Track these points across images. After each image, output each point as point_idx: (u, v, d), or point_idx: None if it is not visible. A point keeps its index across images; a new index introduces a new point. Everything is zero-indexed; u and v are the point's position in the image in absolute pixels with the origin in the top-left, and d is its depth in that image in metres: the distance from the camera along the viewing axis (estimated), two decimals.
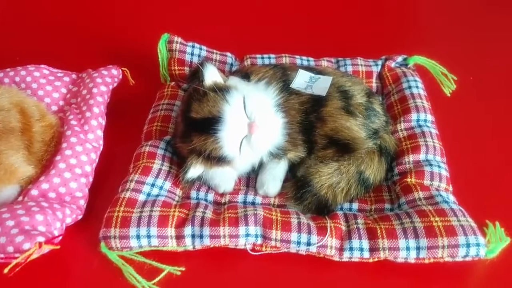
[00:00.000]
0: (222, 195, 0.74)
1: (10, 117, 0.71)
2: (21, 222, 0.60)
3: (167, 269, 0.64)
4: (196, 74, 0.72)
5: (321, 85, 0.77)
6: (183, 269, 0.65)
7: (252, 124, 0.68)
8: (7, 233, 0.58)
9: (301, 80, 0.78)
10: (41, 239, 0.58)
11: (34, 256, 0.57)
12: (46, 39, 1.05)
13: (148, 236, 0.65)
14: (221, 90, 0.69)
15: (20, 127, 0.72)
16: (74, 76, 0.89)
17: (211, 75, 0.71)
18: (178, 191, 0.74)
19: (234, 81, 0.74)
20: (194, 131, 0.69)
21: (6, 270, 0.56)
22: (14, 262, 0.56)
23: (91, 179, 0.74)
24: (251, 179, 0.77)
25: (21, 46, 1.03)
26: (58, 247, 0.60)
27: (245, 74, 0.78)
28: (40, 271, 0.64)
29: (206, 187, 0.75)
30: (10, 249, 0.57)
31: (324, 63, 0.96)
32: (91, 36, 1.07)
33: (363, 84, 0.81)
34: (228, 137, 0.68)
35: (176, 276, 0.64)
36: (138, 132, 0.84)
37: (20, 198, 0.69)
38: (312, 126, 0.73)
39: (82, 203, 0.70)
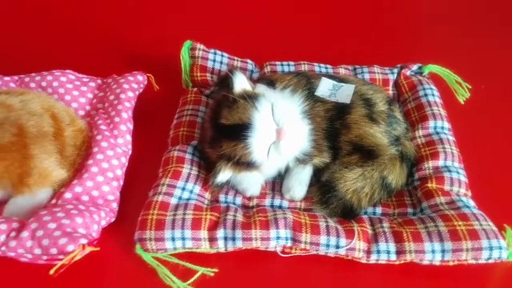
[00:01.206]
0: (249, 198, 0.76)
1: (43, 121, 0.73)
2: (62, 225, 0.61)
3: (201, 270, 0.66)
4: (225, 81, 0.74)
5: (345, 93, 0.79)
6: (216, 270, 0.67)
7: (280, 131, 0.70)
8: (50, 235, 0.60)
9: (324, 88, 0.80)
10: (83, 241, 0.59)
11: (77, 257, 0.59)
12: (68, 45, 1.07)
13: (183, 238, 0.67)
14: (250, 97, 0.71)
15: (52, 132, 0.73)
16: (99, 81, 0.91)
17: (241, 83, 0.73)
18: (207, 195, 0.76)
19: (261, 88, 0.76)
20: (224, 137, 0.71)
21: (52, 271, 0.58)
22: (60, 263, 0.58)
23: (121, 183, 0.75)
24: (276, 183, 0.79)
25: (44, 51, 1.04)
26: (98, 248, 0.61)
27: (270, 82, 0.80)
28: (75, 273, 0.66)
29: (234, 191, 0.76)
30: (54, 250, 0.59)
31: (342, 70, 0.98)
32: (113, 42, 1.09)
33: (384, 92, 0.84)
34: (257, 143, 0.70)
35: (209, 277, 0.66)
36: (162, 136, 0.86)
37: (54, 201, 0.71)
38: (337, 133, 0.76)
39: (115, 206, 0.72)
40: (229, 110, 0.71)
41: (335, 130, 0.76)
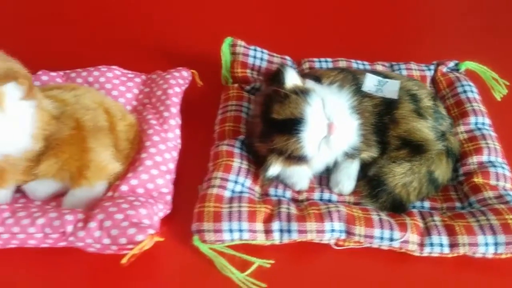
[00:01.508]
0: (299, 192, 0.77)
1: (98, 116, 0.74)
2: (128, 216, 0.63)
3: (257, 262, 0.68)
4: (277, 76, 0.75)
5: (391, 88, 0.80)
6: (273, 261, 0.68)
7: (331, 125, 0.72)
8: (118, 225, 0.61)
9: (370, 84, 0.81)
10: (151, 231, 0.61)
11: (146, 247, 0.60)
12: (110, 42, 1.08)
13: (240, 230, 0.68)
14: (302, 93, 0.72)
15: (107, 126, 0.75)
16: (143, 77, 0.92)
17: (292, 78, 0.74)
18: (257, 188, 0.77)
19: (310, 84, 0.77)
20: (275, 131, 0.73)
21: (124, 260, 0.60)
22: (131, 253, 0.59)
23: (173, 176, 0.77)
24: (323, 178, 0.80)
25: (87, 47, 1.06)
26: (163, 239, 0.63)
27: (315, 78, 0.82)
28: (133, 264, 0.67)
29: (283, 185, 0.78)
30: (123, 240, 0.60)
31: (379, 67, 0.99)
32: (151, 39, 1.10)
33: (427, 88, 0.85)
34: (309, 138, 0.71)
35: (265, 269, 0.68)
36: (203, 131, 0.87)
37: (110, 193, 0.72)
38: (385, 128, 0.77)
39: (169, 198, 0.73)
40: (281, 105, 0.72)
41: (384, 125, 0.77)
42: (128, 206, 0.64)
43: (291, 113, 0.71)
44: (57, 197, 0.74)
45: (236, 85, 0.95)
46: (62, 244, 0.64)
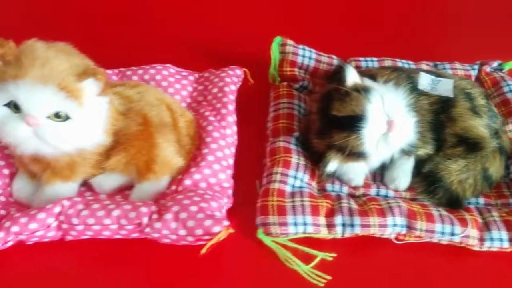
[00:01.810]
0: (355, 188, 0.79)
1: (162, 112, 0.76)
2: (202, 208, 0.65)
3: (320, 255, 0.69)
4: (337, 74, 0.77)
5: (445, 87, 0.82)
6: (335, 255, 0.70)
7: (391, 122, 0.73)
8: (194, 217, 0.63)
9: (424, 82, 0.83)
10: (226, 223, 0.63)
11: (222, 238, 0.62)
12: (159, 40, 1.10)
13: (304, 224, 0.70)
14: (363, 90, 0.74)
15: (171, 122, 0.77)
16: (196, 75, 0.94)
17: (352, 76, 0.76)
18: (314, 184, 0.79)
19: (368, 82, 0.79)
20: (335, 128, 0.74)
21: (203, 251, 0.62)
22: (209, 243, 0.62)
23: (233, 171, 0.79)
24: (377, 174, 0.82)
25: (137, 46, 1.08)
26: (233, 231, 0.64)
27: (370, 76, 0.83)
28: (198, 256, 0.69)
29: (339, 180, 0.79)
30: (200, 231, 0.62)
31: (424, 67, 1.01)
32: (197, 38, 1.12)
33: (479, 87, 0.86)
34: (369, 134, 0.73)
35: (327, 262, 0.69)
36: (252, 127, 0.89)
37: (174, 187, 0.74)
38: (442, 126, 0.78)
39: (230, 192, 0.75)
40: (342, 103, 0.74)
41: (440, 123, 0.78)
42: (200, 199, 0.66)
43: (352, 110, 0.73)
44: (121, 190, 0.76)
45: (285, 83, 0.97)
46: (135, 235, 0.66)
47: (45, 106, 0.61)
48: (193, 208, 0.64)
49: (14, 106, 0.61)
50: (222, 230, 0.62)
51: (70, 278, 0.66)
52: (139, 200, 0.70)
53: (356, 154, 0.74)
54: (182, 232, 0.63)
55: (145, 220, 0.64)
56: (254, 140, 0.87)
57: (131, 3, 1.22)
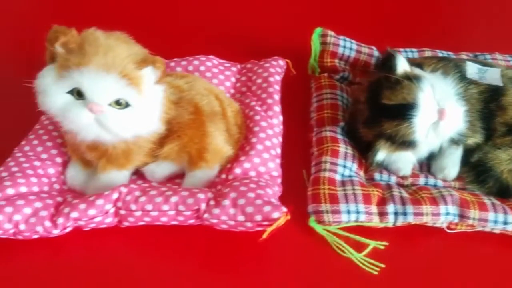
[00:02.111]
0: (403, 178, 0.78)
1: (212, 101, 0.77)
2: (259, 194, 0.65)
3: (372, 243, 0.70)
4: (387, 63, 0.77)
5: (493, 76, 0.81)
6: (386, 243, 0.70)
7: (443, 111, 0.73)
8: (252, 203, 0.64)
9: (472, 71, 0.82)
10: (284, 209, 0.63)
11: (281, 224, 0.63)
12: (197, 32, 1.11)
13: (357, 212, 0.70)
14: (414, 78, 0.74)
15: (220, 111, 0.77)
16: (238, 66, 0.95)
17: (402, 64, 0.76)
18: (362, 173, 0.79)
19: (417, 71, 0.79)
20: (385, 117, 0.74)
21: (265, 235, 0.63)
22: (269, 229, 0.62)
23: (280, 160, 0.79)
24: (423, 164, 0.82)
25: (178, 37, 1.09)
26: (289, 217, 0.65)
27: (417, 65, 0.83)
28: (250, 242, 0.70)
29: (386, 170, 0.79)
30: (259, 217, 0.63)
31: (464, 57, 1.00)
32: (234, 29, 1.13)
33: None
34: (420, 123, 0.73)
35: (379, 250, 0.69)
36: (294, 117, 0.89)
37: (223, 176, 0.75)
38: (491, 114, 0.78)
39: (279, 181, 0.75)
40: (392, 91, 0.74)
41: (490, 112, 0.78)
42: (256, 186, 0.67)
43: (403, 98, 0.73)
44: (172, 179, 0.77)
45: (325, 74, 0.97)
46: (191, 221, 0.67)
47: (108, 93, 0.62)
48: (251, 195, 0.65)
49: (77, 93, 0.62)
50: (281, 216, 0.62)
51: (127, 264, 0.67)
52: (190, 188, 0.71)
53: (406, 143, 0.74)
54: (241, 218, 0.63)
55: (203, 206, 0.65)
56: (296, 130, 0.88)
57: None
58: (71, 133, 0.66)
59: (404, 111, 0.73)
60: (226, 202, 0.64)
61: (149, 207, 0.66)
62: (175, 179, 0.77)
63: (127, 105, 0.64)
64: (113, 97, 0.62)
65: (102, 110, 0.62)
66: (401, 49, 1.02)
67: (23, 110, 0.89)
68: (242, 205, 0.64)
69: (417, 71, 0.78)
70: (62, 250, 0.69)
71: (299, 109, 0.93)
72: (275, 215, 0.62)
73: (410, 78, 0.74)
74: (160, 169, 0.75)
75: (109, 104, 0.63)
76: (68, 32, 0.61)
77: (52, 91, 0.62)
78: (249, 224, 0.63)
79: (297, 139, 0.87)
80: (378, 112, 0.76)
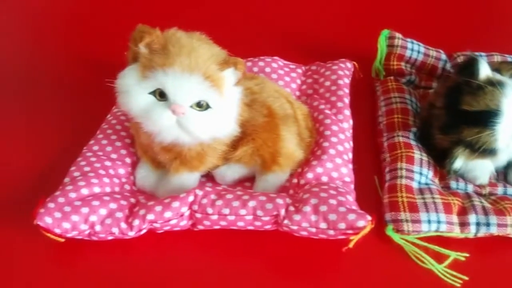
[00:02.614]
0: (480, 187, 0.75)
1: (284, 104, 0.75)
2: (341, 202, 0.63)
3: (453, 255, 0.67)
4: (469, 68, 0.74)
5: None
6: (467, 255, 0.67)
7: None
8: (335, 210, 0.62)
9: None
10: (369, 217, 0.61)
11: (366, 233, 0.61)
12: (258, 33, 1.10)
13: (438, 222, 0.68)
14: (498, 84, 0.71)
15: (292, 114, 0.76)
16: (303, 68, 0.93)
17: (485, 70, 0.73)
18: (437, 181, 0.76)
19: (498, 76, 0.75)
20: (464, 123, 0.71)
21: (350, 245, 0.61)
22: (355, 238, 0.60)
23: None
24: (499, 173, 0.79)
25: (241, 37, 1.08)
26: (373, 225, 0.63)
27: (495, 70, 0.80)
28: (325, 249, 0.68)
29: (462, 178, 0.76)
30: (342, 225, 0.61)
31: None
32: (294, 31, 1.11)
33: None
34: (504, 131, 0.69)
35: (459, 261, 0.66)
36: (360, 121, 0.86)
37: (295, 180, 0.73)
38: None
39: (352, 187, 0.73)
40: (474, 97, 0.71)
41: None
42: (336, 192, 0.65)
43: (486, 105, 0.70)
44: (241, 182, 0.76)
45: (391, 77, 0.94)
46: (267, 227, 0.66)
47: (191, 95, 0.61)
48: (333, 201, 0.63)
49: (159, 94, 0.61)
50: (366, 224, 0.60)
51: (199, 269, 0.66)
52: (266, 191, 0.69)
53: (486, 151, 0.71)
54: (323, 225, 0.62)
55: (282, 212, 0.63)
56: (362, 134, 0.85)
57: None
58: (149, 134, 0.65)
59: (486, 118, 0.70)
60: (307, 208, 0.63)
61: (226, 211, 0.65)
62: (244, 182, 0.76)
63: (207, 106, 0.63)
64: (196, 98, 0.61)
65: (184, 112, 0.61)
66: (469, 53, 0.98)
67: (86, 108, 0.91)
68: (324, 212, 0.62)
69: (498, 76, 0.75)
70: (134, 251, 0.68)
71: (364, 112, 0.91)
72: (360, 223, 0.60)
73: (494, 84, 0.70)
74: (231, 172, 0.74)
75: (190, 106, 0.62)
76: (153, 32, 0.61)
77: (135, 92, 0.61)
78: (331, 232, 0.62)
79: (365, 144, 0.84)
80: (457, 119, 0.73)
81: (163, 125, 0.62)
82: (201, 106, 0.62)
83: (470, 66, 0.74)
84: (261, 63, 0.91)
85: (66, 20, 1.21)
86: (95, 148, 0.77)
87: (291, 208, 0.64)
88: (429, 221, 0.68)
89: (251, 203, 0.64)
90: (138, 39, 0.60)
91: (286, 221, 0.63)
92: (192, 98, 0.61)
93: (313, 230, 0.63)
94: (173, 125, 0.62)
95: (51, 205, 0.65)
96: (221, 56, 0.64)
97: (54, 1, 1.28)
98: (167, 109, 0.61)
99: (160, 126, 0.62)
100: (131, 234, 0.66)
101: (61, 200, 0.66)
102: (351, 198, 0.65)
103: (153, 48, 0.61)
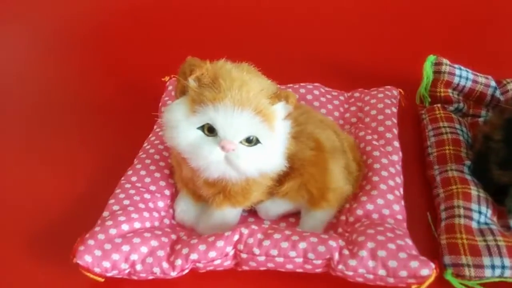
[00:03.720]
0: None
1: (331, 135, 0.72)
2: (401, 246, 0.59)
3: None
4: None
5: None
6: None
7: None
8: (395, 256, 0.58)
9: None
10: (433, 265, 0.57)
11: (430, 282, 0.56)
12: (296, 58, 1.07)
13: (502, 267, 0.63)
14: None
15: (340, 146, 0.72)
16: (345, 95, 0.89)
17: None
18: (495, 220, 0.71)
19: None
20: None
21: None
22: None
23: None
24: None
25: (278, 63, 1.05)
26: (437, 274, 0.58)
27: None
28: None
29: None
30: (404, 273, 0.56)
31: None
32: (330, 55, 1.08)
33: None
34: None
35: None
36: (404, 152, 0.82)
37: (343, 217, 0.69)
38: None
39: (405, 226, 0.68)
40: None
41: None
42: (393, 235, 0.61)
43: None
44: (285, 217, 0.72)
45: (438, 105, 0.90)
46: (318, 270, 0.61)
47: (242, 131, 0.58)
48: (391, 246, 0.58)
49: (207, 129, 0.58)
50: (431, 273, 0.55)
51: None
52: (308, 230, 0.65)
53: None
54: (382, 272, 0.57)
55: (336, 255, 0.59)
56: (410, 166, 0.81)
57: (271, 21, 1.20)
58: (192, 168, 0.62)
59: None
60: (364, 253, 0.58)
61: (274, 252, 0.61)
62: (289, 217, 0.72)
63: (257, 141, 0.59)
64: (246, 134, 0.58)
65: (235, 148, 0.57)
66: None
67: (122, 135, 0.89)
68: (383, 258, 0.57)
69: None
70: None
71: (409, 141, 0.87)
72: (424, 272, 0.55)
73: None
74: (275, 207, 0.70)
75: (239, 142, 0.58)
76: (203, 65, 0.58)
77: (183, 127, 0.58)
78: (391, 280, 0.57)
79: (413, 176, 0.80)
80: None
81: (211, 161, 0.59)
82: (250, 141, 0.59)
83: None
84: (302, 90, 0.87)
85: (101, 45, 1.20)
86: (134, 179, 0.74)
87: (345, 252, 0.59)
88: (492, 266, 0.63)
89: (302, 245, 0.60)
90: (188, 73, 0.57)
91: (340, 266, 0.59)
92: (243, 134, 0.58)
93: (371, 277, 0.58)
94: (221, 161, 0.59)
95: (90, 242, 0.62)
96: (271, 89, 0.60)
97: (90, 26, 1.27)
98: (216, 145, 0.58)
99: (208, 162, 0.59)
100: (173, 274, 0.62)
101: (101, 237, 0.63)
102: (409, 241, 0.61)
103: (203, 81, 0.58)
